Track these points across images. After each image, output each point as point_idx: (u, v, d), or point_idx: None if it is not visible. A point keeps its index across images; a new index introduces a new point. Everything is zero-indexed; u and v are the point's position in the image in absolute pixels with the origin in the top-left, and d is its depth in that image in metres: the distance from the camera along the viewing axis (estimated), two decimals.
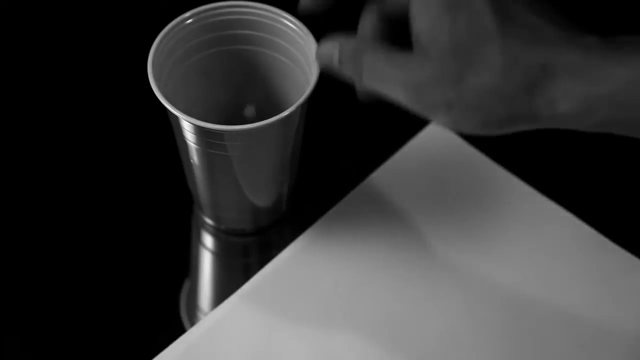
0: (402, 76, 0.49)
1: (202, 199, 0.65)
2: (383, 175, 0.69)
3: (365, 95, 0.54)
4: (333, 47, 0.54)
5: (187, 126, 0.57)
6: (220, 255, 0.68)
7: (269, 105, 0.66)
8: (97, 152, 0.72)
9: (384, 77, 0.50)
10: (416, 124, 0.71)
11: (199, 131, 0.56)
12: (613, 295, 0.64)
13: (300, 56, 0.61)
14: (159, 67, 0.59)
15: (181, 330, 0.63)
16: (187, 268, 0.67)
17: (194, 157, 0.60)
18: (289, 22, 0.60)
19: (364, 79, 0.51)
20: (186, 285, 0.66)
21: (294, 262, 0.64)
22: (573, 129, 0.47)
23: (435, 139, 0.71)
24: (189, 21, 0.60)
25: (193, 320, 0.64)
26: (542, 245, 0.66)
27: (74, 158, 0.72)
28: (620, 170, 0.72)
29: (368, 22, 0.53)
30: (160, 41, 0.59)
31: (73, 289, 0.65)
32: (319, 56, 0.55)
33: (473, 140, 0.71)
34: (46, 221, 0.68)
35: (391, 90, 0.50)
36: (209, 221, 0.68)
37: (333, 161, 0.73)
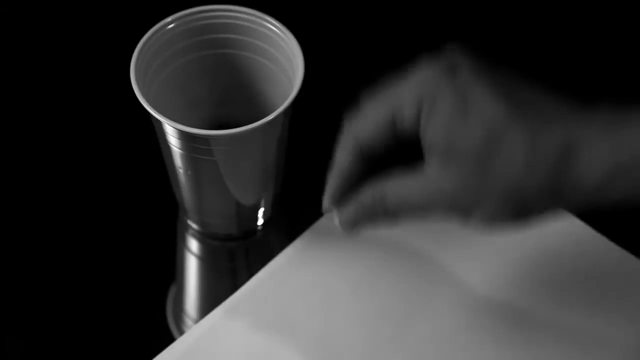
0: (429, 197, 0.49)
1: (187, 204, 0.64)
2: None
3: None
4: (353, 211, 0.53)
5: (172, 131, 0.56)
6: (206, 260, 0.68)
7: (254, 108, 0.65)
8: (81, 156, 0.72)
9: (413, 205, 0.50)
10: None
11: (184, 136, 0.56)
12: (613, 295, 0.63)
13: (283, 60, 0.60)
14: (142, 72, 0.58)
15: (168, 336, 0.63)
16: (173, 273, 0.67)
17: (179, 162, 0.59)
18: (272, 26, 0.60)
19: (399, 218, 0.51)
20: (172, 291, 0.66)
21: (291, 265, 0.64)
22: (598, 206, 0.46)
23: None
24: (170, 26, 0.60)
25: (180, 325, 0.64)
26: (541, 245, 0.65)
27: (57, 162, 0.72)
28: None
29: (349, 163, 0.52)
30: (143, 46, 0.58)
31: (57, 294, 0.64)
32: (344, 227, 0.54)
33: None
34: (29, 227, 0.68)
35: (424, 213, 0.50)
36: (194, 226, 0.67)
37: (328, 162, 0.72)
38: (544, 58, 0.78)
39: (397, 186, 0.50)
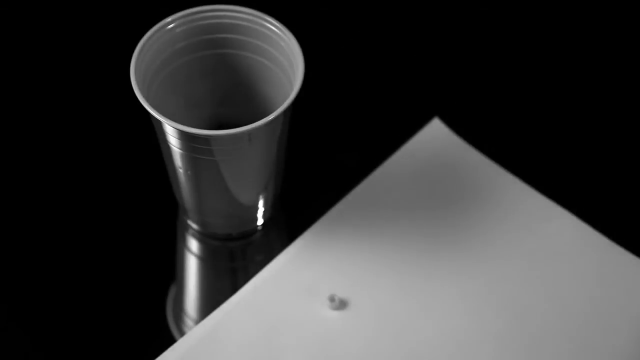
0: None
1: (187, 204, 0.64)
2: (382, 176, 0.69)
3: None
4: None
5: (172, 131, 0.56)
6: (206, 260, 0.68)
7: (254, 108, 0.65)
8: (81, 156, 0.72)
9: None
10: (414, 124, 0.71)
11: (184, 136, 0.56)
12: (613, 295, 0.63)
13: (283, 60, 0.60)
14: (142, 72, 0.58)
15: (168, 336, 0.63)
16: (173, 273, 0.67)
17: (179, 162, 0.59)
18: (272, 26, 0.60)
19: None
20: (172, 291, 0.66)
21: (291, 265, 0.64)
22: None
23: (434, 139, 0.71)
24: (170, 26, 0.60)
25: (180, 325, 0.64)
26: (542, 245, 0.65)
27: (57, 162, 0.72)
28: (620, 170, 0.71)
29: None
30: (143, 46, 0.58)
31: (57, 294, 0.64)
32: None
33: (471, 139, 0.71)
34: (29, 226, 0.68)
35: None
36: (194, 226, 0.67)
37: (329, 162, 0.72)
38: (544, 58, 0.78)
39: None
